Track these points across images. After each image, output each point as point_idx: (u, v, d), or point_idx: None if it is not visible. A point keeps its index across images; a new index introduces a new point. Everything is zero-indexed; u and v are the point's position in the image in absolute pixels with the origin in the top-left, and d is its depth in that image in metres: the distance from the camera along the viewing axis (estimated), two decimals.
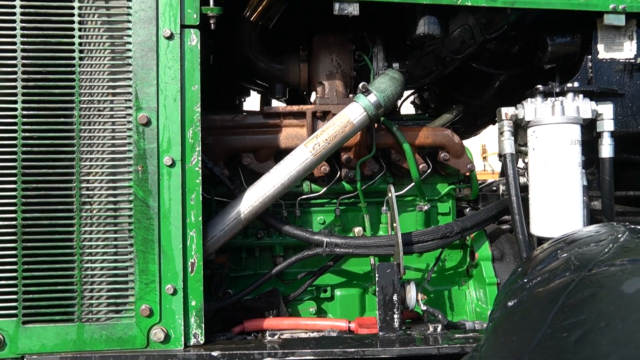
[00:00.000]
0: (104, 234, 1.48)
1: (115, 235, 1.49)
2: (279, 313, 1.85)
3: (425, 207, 2.03)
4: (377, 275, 1.63)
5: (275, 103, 2.43)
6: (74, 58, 1.46)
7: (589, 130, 1.79)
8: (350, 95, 1.90)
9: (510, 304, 0.83)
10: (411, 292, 1.66)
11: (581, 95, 1.75)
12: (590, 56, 1.81)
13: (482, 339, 0.87)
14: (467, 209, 2.23)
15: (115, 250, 1.49)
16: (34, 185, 1.45)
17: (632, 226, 0.91)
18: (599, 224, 1.03)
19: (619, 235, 0.85)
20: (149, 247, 1.50)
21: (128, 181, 1.49)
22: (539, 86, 1.78)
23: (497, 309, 0.89)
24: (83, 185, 1.48)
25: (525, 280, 0.85)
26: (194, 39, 1.53)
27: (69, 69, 1.46)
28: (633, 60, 1.81)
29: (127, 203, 1.49)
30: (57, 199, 1.46)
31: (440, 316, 1.71)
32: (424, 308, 1.72)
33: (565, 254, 0.86)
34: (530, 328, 0.74)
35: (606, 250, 0.80)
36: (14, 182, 1.43)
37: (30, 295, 1.44)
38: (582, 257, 0.82)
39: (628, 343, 0.66)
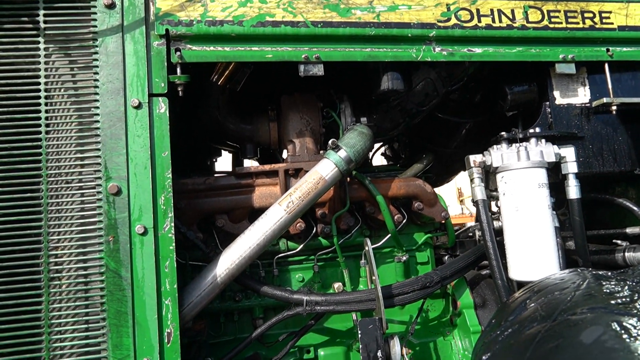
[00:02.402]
0: (74, 310, 1.44)
1: (87, 310, 1.45)
2: None
3: (404, 258, 2.04)
4: (359, 331, 1.61)
5: (247, 162, 2.47)
6: (40, 132, 1.47)
7: (555, 172, 1.86)
8: (321, 152, 1.94)
9: (484, 357, 0.84)
10: (395, 347, 1.64)
11: (543, 140, 1.82)
12: (548, 102, 1.90)
13: None
14: (446, 257, 2.25)
15: (86, 326, 1.44)
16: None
17: (596, 272, 0.94)
18: (566, 271, 1.06)
19: (581, 283, 0.87)
20: (123, 320, 1.46)
21: (99, 252, 1.47)
22: (503, 133, 1.85)
23: None
24: (51, 260, 1.44)
25: (498, 332, 0.86)
26: (162, 107, 1.56)
27: (35, 143, 1.46)
28: (588, 105, 1.91)
29: (98, 275, 1.46)
30: (24, 277, 1.42)
31: None
32: None
33: (533, 304, 0.88)
34: None
35: (569, 298, 0.82)
36: None
37: None
38: (548, 306, 0.84)
39: None
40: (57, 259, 1.45)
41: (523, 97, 1.94)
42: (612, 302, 0.76)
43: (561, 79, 1.90)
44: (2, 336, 1.38)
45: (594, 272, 0.92)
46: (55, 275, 1.44)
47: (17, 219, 1.43)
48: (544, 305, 0.84)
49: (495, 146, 1.85)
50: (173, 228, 1.53)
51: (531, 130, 1.83)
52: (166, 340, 1.49)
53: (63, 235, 1.46)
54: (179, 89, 1.59)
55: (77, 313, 1.44)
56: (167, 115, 1.56)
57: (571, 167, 1.81)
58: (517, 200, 1.74)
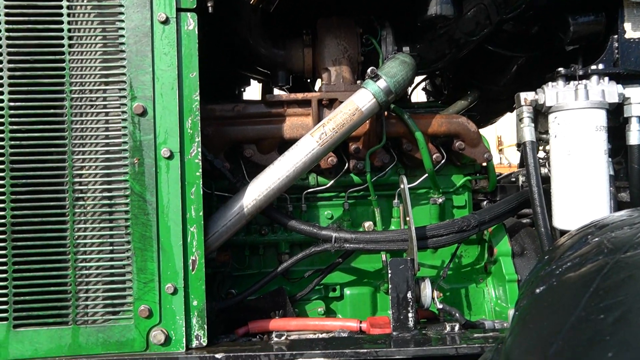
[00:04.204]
0: (99, 231, 1.47)
1: (111, 233, 1.48)
2: (285, 313, 1.84)
3: (440, 200, 2.01)
4: (389, 271, 1.61)
5: (277, 92, 2.42)
6: (63, 45, 1.45)
7: (616, 115, 1.76)
8: (358, 82, 1.87)
9: (538, 290, 0.82)
10: (426, 290, 1.65)
11: (606, 78, 1.71)
12: (616, 36, 1.77)
13: (508, 330, 0.85)
14: (484, 202, 2.21)
15: (111, 248, 1.48)
16: (24, 181, 1.43)
17: None
18: (629, 209, 1.02)
19: None
20: (147, 245, 1.48)
21: (124, 175, 1.48)
22: (560, 69, 1.75)
23: (523, 298, 0.87)
24: (76, 180, 1.46)
25: (554, 267, 0.83)
26: (191, 23, 1.51)
27: (58, 56, 1.45)
28: None
29: (123, 198, 1.48)
30: (49, 195, 1.45)
31: (457, 315, 1.69)
32: (440, 306, 1.70)
33: (597, 239, 0.84)
34: (561, 313, 0.73)
35: None
36: (2, 179, 1.42)
37: (22, 298, 1.43)
38: (616, 240, 0.81)
39: None
40: (81, 179, 1.46)
41: (588, 29, 1.80)
42: None
43: (635, 8, 1.75)
44: (29, 252, 1.43)
45: None
46: (80, 195, 1.47)
47: (41, 136, 1.44)
48: (611, 239, 0.80)
49: (550, 83, 1.76)
50: (200, 154, 1.53)
51: (593, 67, 1.72)
52: (191, 268, 1.53)
53: (87, 155, 1.47)
54: (209, 4, 1.54)
55: (102, 235, 1.47)
56: (196, 32, 1.52)
57: (635, 109, 1.70)
58: (570, 144, 1.67)
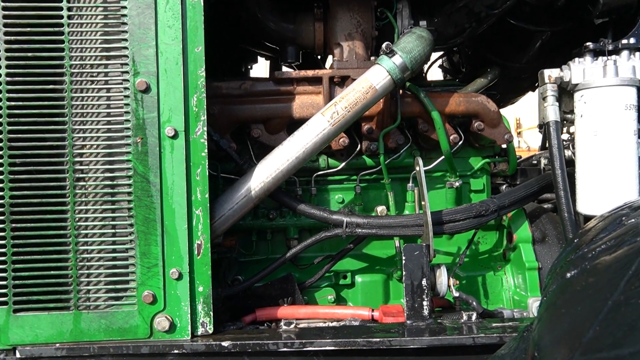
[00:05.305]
0: (101, 214, 1.47)
1: (114, 215, 1.47)
2: (294, 301, 1.84)
3: (457, 184, 1.98)
4: (403, 258, 1.59)
5: (286, 69, 2.39)
6: (62, 17, 1.43)
7: None
8: (372, 58, 1.85)
9: (568, 275, 0.80)
10: (442, 277, 1.64)
11: (638, 54, 1.68)
12: None
13: (536, 317, 0.84)
14: (504, 186, 2.19)
15: (113, 231, 1.47)
16: (22, 160, 1.43)
17: None
18: None
19: None
20: (151, 228, 1.48)
21: (126, 155, 1.47)
22: (588, 44, 1.71)
23: (552, 282, 0.85)
24: (76, 159, 1.45)
25: (585, 250, 0.81)
26: None
27: (57, 29, 1.43)
28: None
29: (125, 179, 1.47)
30: (48, 175, 1.44)
31: (474, 303, 1.68)
32: (457, 295, 1.69)
33: (633, 220, 0.82)
34: (597, 297, 0.72)
35: None
36: (0, 157, 1.41)
37: (22, 282, 1.43)
38: None
39: None
40: (82, 159, 1.46)
41: (619, 0, 1.76)
42: None
43: None
44: (29, 235, 1.43)
45: None
46: (81, 176, 1.46)
47: (39, 113, 1.43)
48: None
49: (576, 59, 1.73)
50: (205, 133, 1.51)
51: (624, 41, 1.68)
52: (196, 252, 1.52)
53: (88, 134, 1.46)
54: None
55: (104, 217, 1.47)
56: (202, 4, 1.49)
57: None
58: (598, 124, 1.64)
